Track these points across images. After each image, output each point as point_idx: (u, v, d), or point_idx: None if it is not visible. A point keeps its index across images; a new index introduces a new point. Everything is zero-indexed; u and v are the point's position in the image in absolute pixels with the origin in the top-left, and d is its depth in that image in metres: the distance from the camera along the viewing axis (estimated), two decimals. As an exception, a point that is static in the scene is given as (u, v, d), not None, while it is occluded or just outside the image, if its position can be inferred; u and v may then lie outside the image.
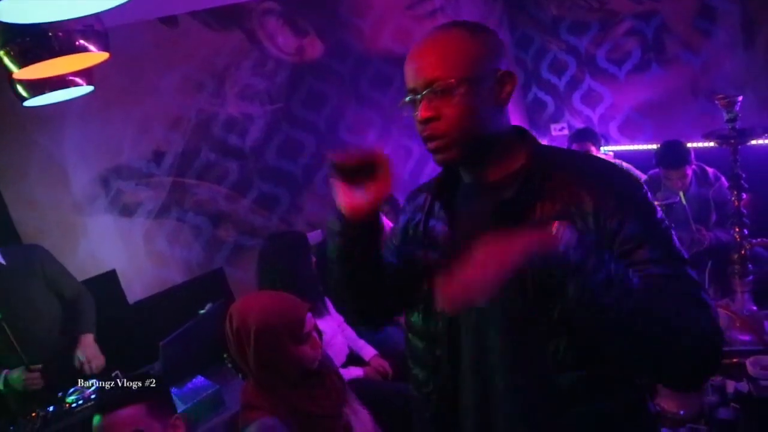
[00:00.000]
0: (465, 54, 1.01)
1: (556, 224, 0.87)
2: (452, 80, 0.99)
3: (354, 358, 2.82)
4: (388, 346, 2.93)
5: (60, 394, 2.37)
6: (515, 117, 2.75)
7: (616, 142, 4.46)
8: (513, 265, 0.83)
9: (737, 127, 1.93)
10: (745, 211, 2.03)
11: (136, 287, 3.24)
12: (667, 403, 1.71)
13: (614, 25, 4.18)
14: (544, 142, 2.57)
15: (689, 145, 3.17)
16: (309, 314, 1.57)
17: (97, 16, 1.82)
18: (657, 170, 3.26)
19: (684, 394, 1.69)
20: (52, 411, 2.27)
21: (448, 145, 1.03)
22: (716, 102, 1.96)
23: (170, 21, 3.34)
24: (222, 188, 3.57)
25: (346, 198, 1.06)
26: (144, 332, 2.77)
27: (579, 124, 4.47)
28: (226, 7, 3.53)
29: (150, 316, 3.09)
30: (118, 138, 3.21)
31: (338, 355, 2.69)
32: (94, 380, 2.43)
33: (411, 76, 1.05)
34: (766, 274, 2.43)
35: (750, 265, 2.03)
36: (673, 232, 0.99)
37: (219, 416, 2.22)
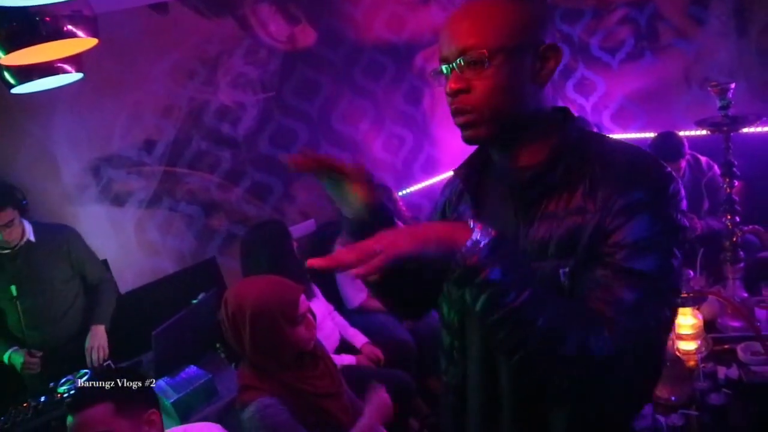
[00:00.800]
0: (504, 21, 0.92)
1: (479, 226, 0.83)
2: (485, 50, 0.90)
3: (346, 348, 2.83)
4: (381, 335, 2.94)
5: (52, 384, 2.37)
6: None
7: (609, 131, 4.46)
8: (404, 248, 0.80)
9: (730, 114, 1.93)
10: (736, 198, 2.04)
11: (127, 277, 3.22)
12: (658, 389, 1.72)
13: (608, 13, 4.17)
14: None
15: (682, 133, 3.17)
16: (303, 296, 1.58)
17: (85, 1, 1.80)
18: (650, 159, 3.26)
19: (675, 380, 1.70)
20: (43, 401, 2.26)
21: (477, 121, 0.95)
22: (709, 89, 1.96)
23: (161, 7, 3.30)
24: (214, 177, 3.55)
25: (339, 199, 1.04)
26: (136, 322, 2.76)
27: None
28: (217, -6, 3.49)
29: (142, 305, 3.07)
30: (108, 126, 3.18)
31: (328, 340, 2.70)
32: (87, 370, 2.43)
33: (444, 43, 0.96)
34: (757, 260, 2.45)
35: (741, 252, 2.04)
36: (675, 255, 0.89)
37: (212, 405, 2.23)
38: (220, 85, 3.54)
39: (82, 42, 1.85)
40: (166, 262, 3.39)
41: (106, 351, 2.57)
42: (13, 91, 2.14)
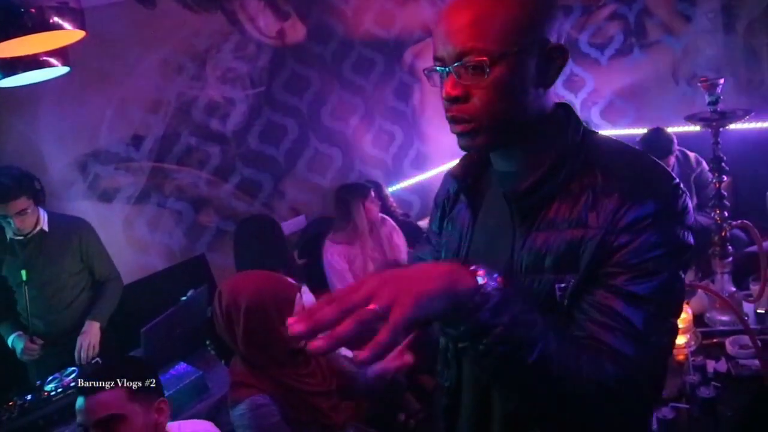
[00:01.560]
0: (507, 22, 0.82)
1: (483, 272, 0.73)
2: (486, 57, 0.82)
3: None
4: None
5: (38, 382, 2.34)
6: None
7: (598, 127, 4.48)
8: (412, 310, 0.66)
9: (718, 110, 1.95)
10: (725, 193, 2.06)
11: (116, 274, 3.19)
12: (648, 382, 1.73)
13: (597, 9, 4.19)
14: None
15: (670, 129, 3.19)
16: (298, 294, 1.57)
17: (71, -7, 1.76)
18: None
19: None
20: (29, 399, 2.23)
21: (475, 130, 0.88)
22: (698, 84, 1.98)
23: (148, 1, 3.26)
24: (203, 173, 3.52)
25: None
26: (125, 319, 2.73)
27: (561, 110, 4.48)
28: (206, -12, 3.45)
29: (131, 302, 3.04)
30: (95, 121, 3.14)
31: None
32: (74, 368, 2.41)
33: (440, 41, 0.86)
34: (745, 255, 2.47)
35: (730, 247, 2.06)
36: (680, 277, 0.85)
37: (203, 402, 2.21)
38: (209, 80, 3.51)
39: (69, 34, 1.81)
40: (154, 258, 3.36)
41: (97, 349, 2.54)
42: (-3, 84, 2.10)
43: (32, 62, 1.96)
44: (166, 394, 2.12)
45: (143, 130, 3.29)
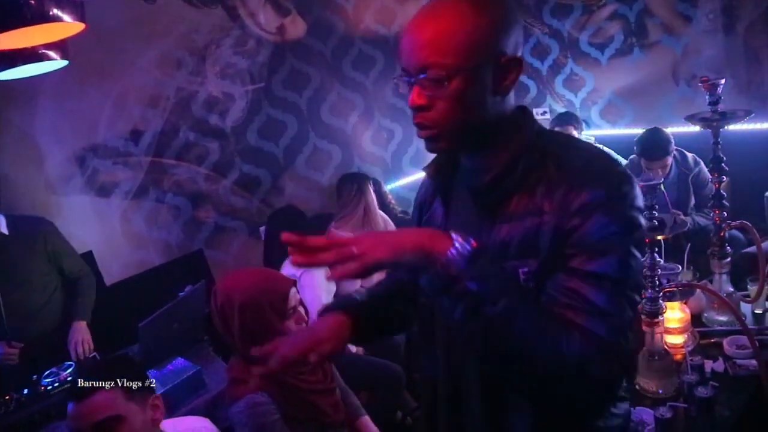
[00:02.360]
0: (464, 39, 0.90)
1: (460, 236, 0.87)
2: (445, 72, 0.90)
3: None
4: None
5: (35, 376, 2.32)
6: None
7: (598, 127, 4.49)
8: (382, 255, 0.85)
9: (719, 110, 1.94)
10: (724, 194, 2.06)
11: (113, 269, 3.18)
12: (646, 383, 1.73)
13: (597, 8, 4.19)
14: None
15: (669, 130, 3.19)
16: (293, 290, 1.57)
17: (71, -14, 1.75)
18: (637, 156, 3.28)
19: (663, 373, 1.72)
20: (26, 394, 2.23)
21: (438, 135, 0.97)
22: (699, 84, 1.97)
23: (148, -5, 3.24)
24: (202, 169, 3.51)
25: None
26: (122, 314, 2.72)
27: (561, 109, 4.48)
28: (206, -17, 3.44)
29: (128, 298, 3.04)
30: (94, 116, 3.12)
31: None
32: (71, 363, 2.40)
33: (404, 52, 0.95)
34: (743, 256, 2.47)
35: (728, 247, 2.06)
36: (633, 254, 0.91)
37: (200, 398, 2.21)
38: (209, 75, 3.50)
39: (69, 27, 1.79)
40: (152, 254, 3.35)
41: (91, 344, 2.53)
42: (-4, 77, 2.08)
43: (31, 55, 1.94)
44: (163, 389, 2.13)
45: (142, 125, 3.28)
